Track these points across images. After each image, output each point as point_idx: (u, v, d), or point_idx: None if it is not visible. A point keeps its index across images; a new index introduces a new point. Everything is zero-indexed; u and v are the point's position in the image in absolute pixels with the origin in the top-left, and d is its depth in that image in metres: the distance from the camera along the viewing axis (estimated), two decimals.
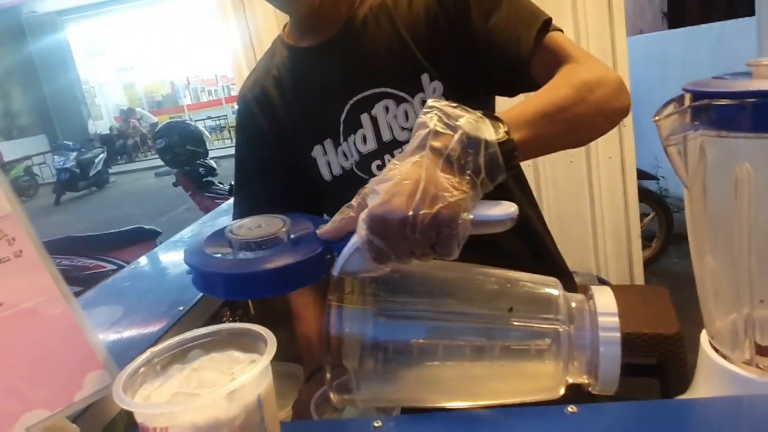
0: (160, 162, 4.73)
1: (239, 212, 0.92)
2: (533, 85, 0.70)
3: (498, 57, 0.74)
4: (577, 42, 2.09)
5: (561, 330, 0.45)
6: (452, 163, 0.47)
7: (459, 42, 0.77)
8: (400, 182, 0.46)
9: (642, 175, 2.49)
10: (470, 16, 0.76)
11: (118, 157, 14.78)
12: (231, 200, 1.90)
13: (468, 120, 0.50)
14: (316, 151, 0.86)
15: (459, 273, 0.50)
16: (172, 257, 1.22)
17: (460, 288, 0.50)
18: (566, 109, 0.60)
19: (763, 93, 0.42)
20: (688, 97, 0.48)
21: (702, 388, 0.54)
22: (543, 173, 2.16)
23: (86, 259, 3.44)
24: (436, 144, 0.48)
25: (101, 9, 15.88)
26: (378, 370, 0.45)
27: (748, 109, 0.43)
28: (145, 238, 3.69)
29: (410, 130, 0.77)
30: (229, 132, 16.47)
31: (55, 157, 10.62)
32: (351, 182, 0.82)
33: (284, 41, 0.89)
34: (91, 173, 10.56)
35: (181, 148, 3.98)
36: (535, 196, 0.93)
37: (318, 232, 0.51)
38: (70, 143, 11.33)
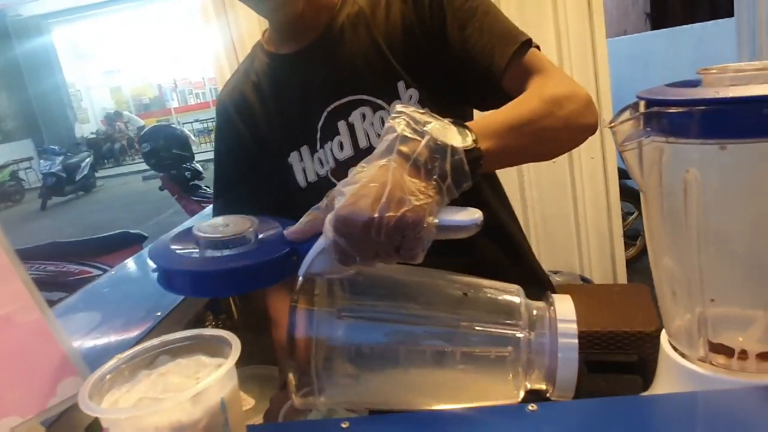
0: (147, 166, 4.70)
1: (218, 197, 0.94)
2: (505, 99, 0.70)
3: (470, 68, 0.75)
4: (557, 44, 2.12)
5: (521, 336, 0.47)
6: (419, 167, 0.48)
7: (434, 51, 0.78)
8: (367, 185, 0.47)
9: (624, 174, 2.52)
10: (445, 25, 0.77)
11: (105, 161, 14.68)
12: (204, 210, 1.91)
13: (435, 126, 0.51)
14: (293, 158, 0.86)
15: (423, 278, 0.52)
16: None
17: (424, 293, 0.51)
18: (534, 122, 0.61)
19: (708, 101, 0.43)
20: (642, 104, 0.50)
21: (662, 385, 0.56)
22: (527, 175, 2.18)
23: (72, 264, 3.41)
24: (404, 149, 0.49)
25: (87, 12, 15.77)
26: (341, 373, 0.46)
27: (695, 117, 0.44)
28: (131, 243, 3.67)
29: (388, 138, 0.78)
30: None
31: (41, 161, 10.52)
32: (325, 189, 0.80)
33: (264, 47, 0.90)
34: (78, 177, 10.47)
35: (167, 152, 3.96)
36: (519, 197, 0.94)
37: (285, 232, 0.52)
38: (57, 147, 11.23)
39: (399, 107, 0.53)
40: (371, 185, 0.47)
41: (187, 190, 4.13)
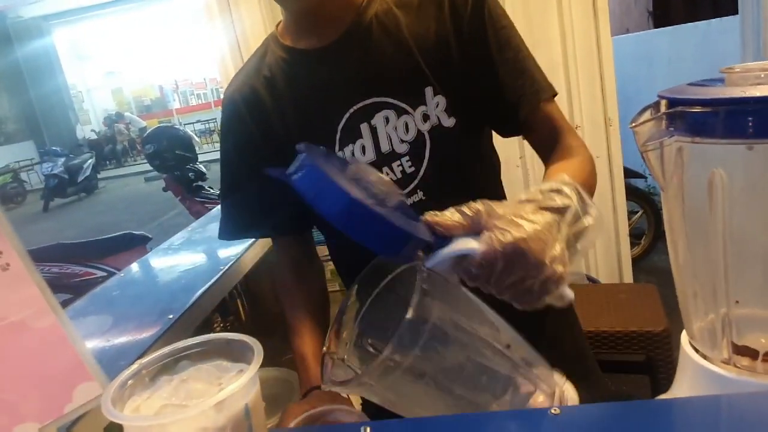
0: (149, 166, 4.70)
1: (226, 220, 0.90)
2: (515, 133, 0.79)
3: (496, 94, 0.77)
4: (562, 42, 2.12)
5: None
6: (568, 243, 0.52)
7: (466, 62, 0.77)
8: (546, 231, 0.49)
9: (629, 173, 2.52)
10: (483, 42, 0.77)
11: (107, 162, 14.70)
12: (210, 211, 1.90)
13: (594, 214, 0.53)
14: None
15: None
16: (162, 265, 1.23)
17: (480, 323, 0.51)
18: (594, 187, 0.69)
19: (734, 100, 0.43)
20: (663, 103, 0.49)
21: (683, 387, 0.56)
22: (532, 173, 2.18)
23: (75, 266, 3.42)
24: (570, 225, 0.52)
25: (88, 13, 15.79)
26: (378, 373, 0.45)
27: (720, 116, 0.44)
28: (135, 244, 3.68)
29: (409, 143, 0.78)
30: (219, 135, 16.41)
31: (43, 163, 10.54)
32: None
33: (279, 41, 0.85)
34: (80, 179, 10.49)
35: (170, 153, 3.96)
36: None
37: (429, 218, 0.50)
38: (58, 149, 11.25)
39: (568, 178, 0.54)
40: (549, 235, 0.49)
41: (191, 191, 4.13)
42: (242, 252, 1.16)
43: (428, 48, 0.78)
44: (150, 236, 3.86)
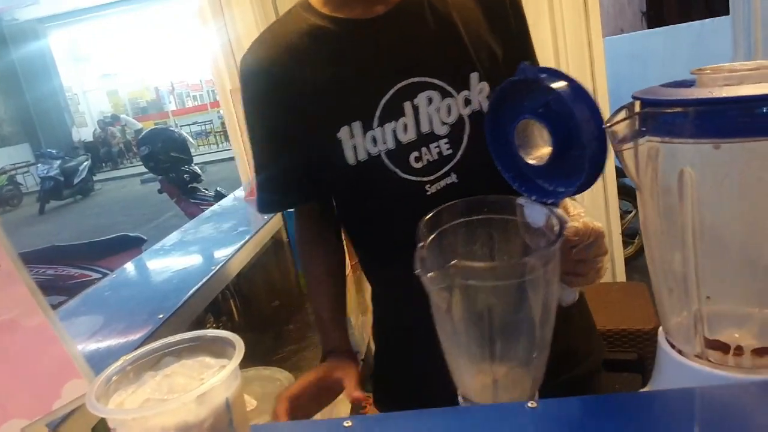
0: (145, 168, 4.71)
1: (261, 191, 0.91)
2: None
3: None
4: (554, 42, 2.14)
5: None
6: None
7: (508, 53, 0.81)
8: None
9: (621, 173, 2.54)
10: (525, 38, 0.84)
11: (103, 164, 14.67)
12: (215, 206, 1.91)
13: None
14: (343, 132, 0.79)
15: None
16: (154, 265, 1.23)
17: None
18: None
19: (701, 101, 0.44)
20: (637, 104, 0.50)
21: (660, 381, 0.57)
22: None
23: (71, 268, 3.42)
24: None
25: (83, 16, 15.77)
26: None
27: (688, 117, 0.45)
28: (131, 246, 3.68)
29: (450, 125, 0.78)
30: (215, 137, 16.42)
31: (39, 165, 10.52)
32: (378, 169, 0.80)
33: (312, 8, 0.81)
34: (76, 181, 10.47)
35: (165, 155, 3.97)
36: None
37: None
38: (54, 151, 11.23)
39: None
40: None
41: (186, 193, 4.14)
42: (233, 252, 1.17)
43: (476, 35, 0.79)
44: (145, 238, 3.87)
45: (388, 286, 0.90)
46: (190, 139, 4.61)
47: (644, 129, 0.49)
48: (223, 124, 18.30)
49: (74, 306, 0.98)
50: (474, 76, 0.79)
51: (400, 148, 0.78)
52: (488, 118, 0.62)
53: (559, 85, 0.49)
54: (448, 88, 0.78)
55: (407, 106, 0.78)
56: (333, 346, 0.91)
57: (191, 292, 0.98)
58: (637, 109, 0.50)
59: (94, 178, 11.82)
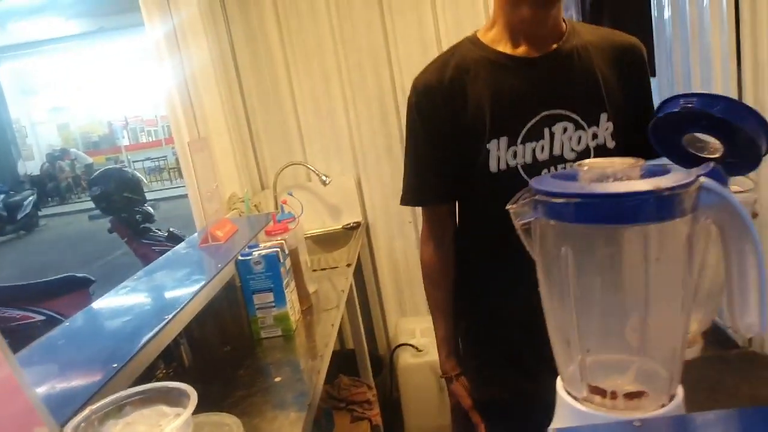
0: (97, 209, 4.63)
1: (407, 186, 1.14)
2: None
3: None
4: (486, 14, 2.57)
5: None
6: None
7: (632, 101, 1.03)
8: None
9: None
10: (645, 91, 1.06)
11: (50, 199, 14.18)
12: (169, 253, 1.93)
13: None
14: (492, 144, 1.00)
15: None
16: (107, 313, 1.27)
17: None
18: None
19: (580, 195, 0.56)
20: (531, 191, 0.62)
21: (559, 421, 0.67)
22: None
23: (13, 309, 3.31)
24: None
25: (34, 49, 15.46)
26: None
27: (567, 205, 0.57)
28: (77, 287, 3.60)
29: (578, 153, 1.00)
30: (169, 173, 16.15)
31: None
32: (513, 178, 1.00)
33: (480, 42, 1.04)
34: (19, 216, 10.09)
35: (118, 196, 3.94)
36: None
37: None
38: None
39: None
40: None
41: (138, 233, 4.10)
42: (187, 301, 1.22)
43: (609, 83, 1.02)
44: (93, 279, 3.79)
45: (495, 272, 1.10)
46: (144, 179, 4.59)
47: (537, 211, 0.60)
48: (177, 160, 18.11)
49: (28, 355, 1.01)
50: (603, 116, 1.01)
51: (535, 164, 1.00)
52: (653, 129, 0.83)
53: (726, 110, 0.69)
54: (582, 122, 1.00)
55: (546, 131, 1.00)
56: (448, 370, 1.21)
57: (144, 340, 1.02)
58: (531, 195, 0.61)
59: (40, 214, 11.39)
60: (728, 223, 0.58)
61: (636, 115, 1.02)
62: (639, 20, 3.95)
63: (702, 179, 0.56)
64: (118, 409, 0.51)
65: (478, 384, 1.20)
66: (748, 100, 2.75)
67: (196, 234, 1.97)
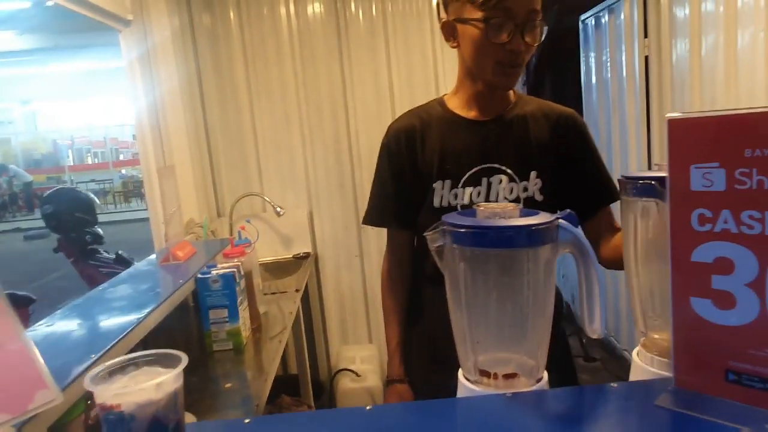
0: (31, 224, 4.57)
1: (371, 209, 1.36)
2: (582, 218, 1.05)
3: (580, 190, 1.25)
4: (435, 70, 2.99)
5: None
6: None
7: (564, 163, 1.24)
8: None
9: None
10: (582, 152, 1.26)
11: None
12: (131, 269, 2.03)
13: None
14: (437, 184, 1.23)
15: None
16: (66, 324, 1.31)
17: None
18: None
19: (471, 226, 0.78)
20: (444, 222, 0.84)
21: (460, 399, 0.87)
22: None
23: None
24: None
25: None
26: None
27: (468, 234, 0.78)
28: (17, 306, 3.54)
29: (509, 201, 1.21)
30: (114, 197, 15.75)
31: None
32: None
33: (445, 104, 1.28)
34: None
35: (69, 215, 3.95)
36: None
37: None
38: None
39: None
40: None
41: (85, 255, 4.09)
42: (147, 314, 1.36)
43: (542, 147, 1.23)
44: (34, 297, 3.76)
45: (434, 292, 1.25)
46: (97, 200, 4.60)
47: (447, 238, 0.82)
48: (124, 184, 17.68)
49: None
50: (533, 174, 1.22)
51: (471, 206, 1.18)
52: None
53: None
54: (514, 177, 1.22)
55: (484, 180, 1.21)
56: (394, 375, 1.35)
57: (110, 345, 1.15)
58: (443, 225, 0.83)
59: None
60: (578, 253, 0.81)
61: (572, 174, 1.24)
62: (573, 85, 4.40)
63: (559, 220, 0.79)
64: (122, 368, 0.68)
65: (418, 386, 1.38)
66: (655, 161, 3.14)
67: (155, 254, 2.09)
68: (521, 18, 1.09)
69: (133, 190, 17.08)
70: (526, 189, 1.22)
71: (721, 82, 2.53)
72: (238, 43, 2.89)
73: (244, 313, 1.80)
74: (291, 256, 3.02)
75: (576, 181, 1.25)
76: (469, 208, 1.22)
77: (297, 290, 2.42)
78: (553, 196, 1.22)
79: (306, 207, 3.05)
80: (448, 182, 1.22)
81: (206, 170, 2.97)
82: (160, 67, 2.38)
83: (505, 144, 1.23)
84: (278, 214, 2.85)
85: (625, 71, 3.32)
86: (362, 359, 2.88)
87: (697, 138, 0.68)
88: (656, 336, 0.86)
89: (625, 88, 3.35)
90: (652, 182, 0.79)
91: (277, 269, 2.93)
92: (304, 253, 3.02)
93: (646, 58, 3.10)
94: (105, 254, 4.27)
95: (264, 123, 2.97)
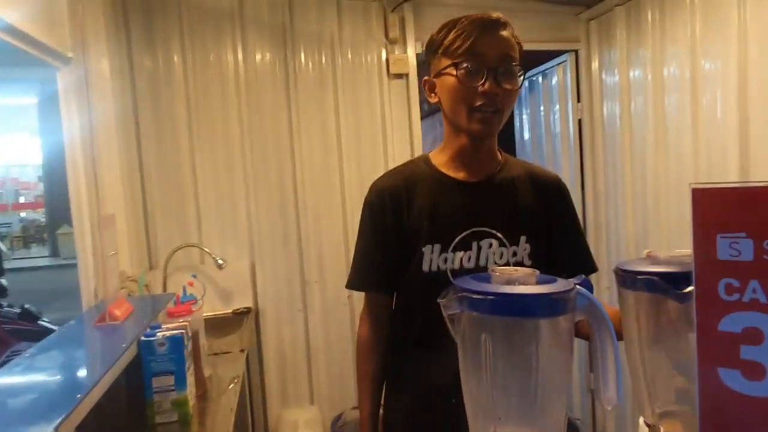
0: None
1: (354, 273, 1.28)
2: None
3: (564, 257, 1.23)
4: (383, 123, 3.02)
5: None
6: None
7: (551, 228, 1.24)
8: None
9: None
10: (564, 218, 1.26)
11: None
12: (63, 327, 1.80)
13: None
14: (426, 248, 1.17)
15: None
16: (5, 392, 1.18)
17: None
18: None
19: (491, 293, 0.73)
20: (456, 288, 0.79)
21: None
22: None
23: None
24: None
25: None
26: None
27: (486, 301, 0.74)
28: None
29: (499, 266, 1.11)
30: (11, 243, 14.44)
31: None
32: (442, 279, 1.16)
33: (431, 163, 1.24)
34: None
35: None
36: None
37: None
38: None
39: None
40: None
41: None
42: (93, 384, 1.19)
43: (530, 211, 1.22)
44: None
45: (420, 358, 1.23)
46: (4, 248, 4.16)
47: (461, 304, 0.77)
48: (24, 228, 16.28)
49: None
50: (523, 238, 1.20)
51: (462, 271, 1.16)
52: None
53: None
54: (505, 241, 1.19)
55: (474, 244, 1.18)
56: None
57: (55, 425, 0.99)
58: (456, 291, 0.78)
59: None
60: (594, 320, 0.79)
61: (555, 239, 1.23)
62: (507, 141, 4.60)
63: (577, 287, 0.77)
64: None
65: None
66: (590, 222, 3.30)
67: (83, 312, 1.88)
68: (493, 62, 1.11)
69: (34, 234, 15.81)
70: (515, 254, 1.20)
71: (651, 143, 2.73)
72: (180, 87, 2.77)
73: (190, 378, 1.63)
74: (230, 311, 2.84)
75: (559, 249, 1.25)
76: (460, 274, 1.18)
77: (242, 350, 2.25)
78: (540, 262, 1.21)
79: (248, 259, 2.90)
80: (437, 246, 1.18)
81: (139, 218, 2.76)
82: (96, 108, 2.22)
83: (494, 207, 1.21)
84: (219, 266, 2.69)
85: (559, 130, 3.51)
86: (306, 422, 2.71)
87: (723, 207, 0.69)
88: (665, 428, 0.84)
89: (560, 147, 3.53)
90: (654, 278, 0.78)
91: (216, 326, 2.73)
92: (245, 308, 2.85)
93: (579, 120, 3.30)
94: (9, 309, 3.84)
95: (205, 170, 2.84)
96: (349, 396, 3.07)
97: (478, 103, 1.13)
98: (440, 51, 1.16)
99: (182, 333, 1.57)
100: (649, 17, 2.65)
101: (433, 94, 1.22)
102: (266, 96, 2.88)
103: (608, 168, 3.13)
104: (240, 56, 2.83)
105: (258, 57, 2.86)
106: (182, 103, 2.78)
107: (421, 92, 2.90)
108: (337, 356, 3.04)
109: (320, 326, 3.01)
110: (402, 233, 1.21)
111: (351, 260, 1.31)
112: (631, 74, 2.86)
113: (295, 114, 2.91)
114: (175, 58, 2.75)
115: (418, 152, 3.06)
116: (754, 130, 2.12)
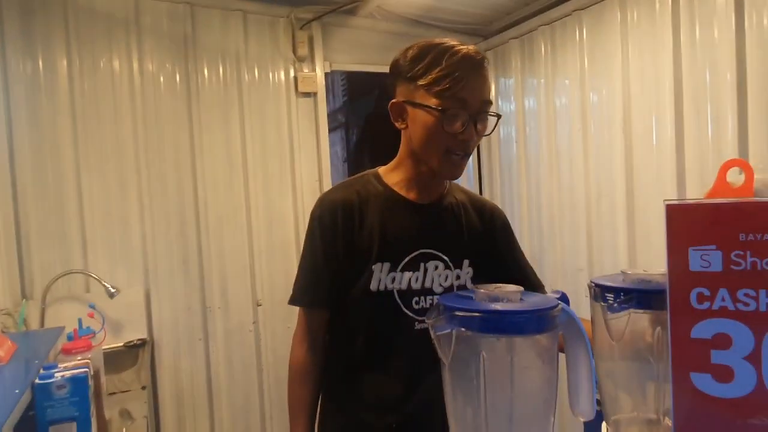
0: None
1: (299, 288, 1.24)
2: None
3: (506, 279, 1.19)
4: (290, 141, 2.98)
5: None
6: None
7: (493, 252, 1.28)
8: None
9: None
10: (507, 245, 1.31)
11: None
12: None
13: None
14: (376, 266, 1.15)
15: None
16: None
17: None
18: None
19: (480, 310, 0.72)
20: (443, 307, 0.77)
21: None
22: None
23: None
24: None
25: None
26: None
27: (476, 319, 0.73)
28: None
29: (444, 287, 1.20)
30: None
31: None
32: (388, 299, 1.16)
33: (382, 180, 1.23)
34: None
35: None
36: None
37: None
38: None
39: None
40: None
41: None
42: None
43: (473, 236, 1.25)
44: None
45: (362, 379, 1.21)
46: None
47: (450, 323, 0.75)
48: None
49: None
50: (466, 262, 1.23)
51: (408, 291, 1.16)
52: None
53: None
54: (450, 264, 1.21)
55: (422, 265, 1.18)
56: None
57: None
58: (444, 310, 0.76)
59: None
60: (571, 335, 0.81)
61: (502, 263, 1.27)
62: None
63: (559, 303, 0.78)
64: None
65: None
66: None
67: None
68: (475, 108, 1.10)
69: None
70: (458, 277, 1.22)
71: (545, 166, 2.94)
72: (65, 96, 2.48)
73: (95, 424, 1.43)
74: (122, 344, 2.55)
75: (502, 273, 1.27)
76: (406, 294, 1.17)
77: (143, 387, 2.03)
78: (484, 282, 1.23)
79: (142, 286, 2.65)
80: (387, 265, 1.16)
81: (11, 242, 2.41)
82: None
83: (441, 230, 1.22)
84: (111, 295, 2.41)
85: None
86: None
87: (695, 222, 0.74)
88: None
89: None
90: (632, 294, 0.80)
91: (107, 361, 2.44)
92: (139, 339, 2.59)
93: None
94: None
95: (93, 189, 2.55)
96: (253, 431, 2.89)
97: (454, 147, 1.12)
98: (420, 83, 1.10)
99: (86, 372, 1.37)
100: (542, 50, 2.88)
101: (400, 119, 1.18)
102: (165, 109, 2.68)
103: (505, 189, 3.31)
104: (135, 66, 2.61)
105: (156, 68, 2.65)
106: (67, 113, 2.48)
107: (330, 112, 2.88)
108: (240, 388, 2.86)
109: (223, 356, 2.82)
110: (352, 249, 1.17)
111: (259, 283, 1.28)
112: (526, 103, 3.08)
113: (198, 130, 2.74)
114: (62, 63, 2.46)
115: (326, 171, 3.03)
116: (638, 156, 2.37)
